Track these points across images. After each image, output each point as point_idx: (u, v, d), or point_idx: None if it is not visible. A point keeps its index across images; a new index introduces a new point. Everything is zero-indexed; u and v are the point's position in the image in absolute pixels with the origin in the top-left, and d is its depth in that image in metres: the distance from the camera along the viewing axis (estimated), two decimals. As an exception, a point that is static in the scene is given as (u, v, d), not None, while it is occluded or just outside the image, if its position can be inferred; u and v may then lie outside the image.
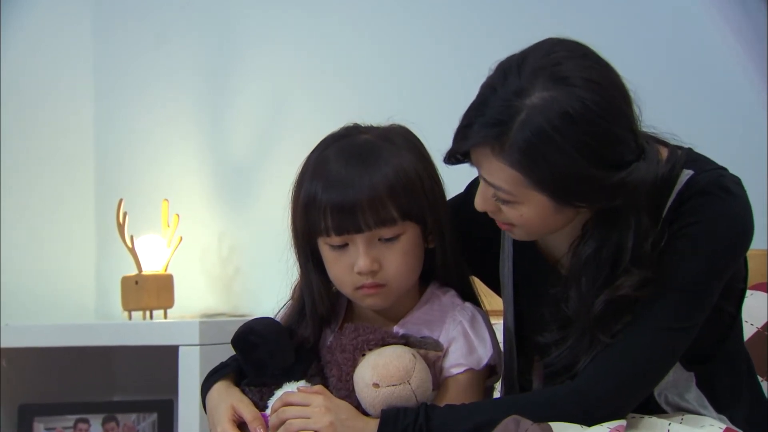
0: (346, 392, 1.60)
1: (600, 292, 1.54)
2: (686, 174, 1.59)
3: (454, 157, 1.57)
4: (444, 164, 1.60)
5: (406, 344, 1.61)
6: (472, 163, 1.57)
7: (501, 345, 1.77)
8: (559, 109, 1.46)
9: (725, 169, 1.62)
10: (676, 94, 2.52)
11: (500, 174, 1.51)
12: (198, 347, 2.58)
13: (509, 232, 1.62)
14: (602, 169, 1.48)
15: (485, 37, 2.75)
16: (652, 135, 1.61)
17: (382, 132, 1.66)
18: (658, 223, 1.57)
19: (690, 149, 1.64)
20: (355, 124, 1.69)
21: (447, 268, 1.69)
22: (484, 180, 1.56)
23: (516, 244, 1.74)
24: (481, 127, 1.50)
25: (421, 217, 1.63)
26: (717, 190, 1.58)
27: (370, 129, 1.67)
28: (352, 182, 1.58)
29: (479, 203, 1.59)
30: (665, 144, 1.63)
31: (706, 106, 2.54)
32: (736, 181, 1.61)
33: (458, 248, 1.69)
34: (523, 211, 1.54)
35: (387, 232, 1.60)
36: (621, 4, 2.65)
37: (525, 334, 1.73)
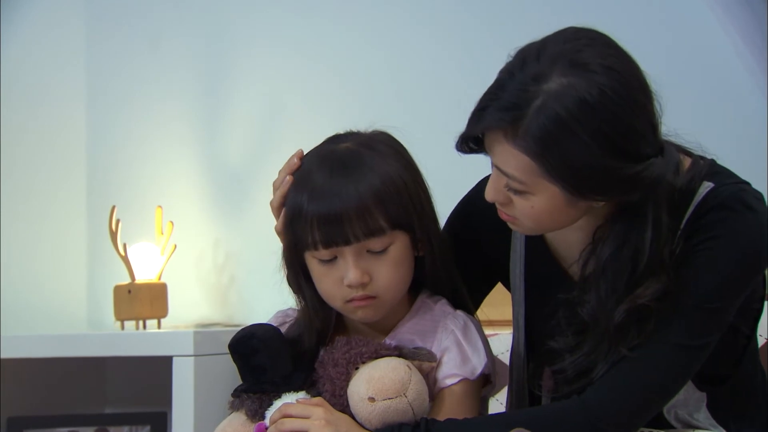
0: (340, 407, 1.58)
1: (621, 300, 1.52)
2: (706, 186, 1.57)
3: (466, 144, 1.56)
4: (457, 152, 1.58)
5: (399, 356, 1.59)
6: (485, 151, 1.54)
7: (509, 351, 1.77)
8: (576, 95, 1.44)
9: (748, 184, 1.60)
10: (679, 92, 2.43)
11: (513, 161, 1.49)
12: (192, 358, 2.57)
13: (513, 224, 1.59)
14: (618, 159, 1.46)
15: (485, 39, 2.72)
16: (676, 144, 1.59)
17: (363, 139, 1.64)
18: (675, 234, 1.54)
19: (713, 161, 1.61)
20: (336, 134, 1.67)
21: (437, 276, 1.67)
22: (497, 168, 1.53)
23: (528, 246, 1.71)
24: (496, 111, 1.48)
25: (410, 225, 1.61)
26: (737, 205, 1.55)
27: (351, 137, 1.65)
28: (338, 192, 1.57)
29: (490, 194, 1.57)
30: (688, 154, 1.61)
31: (709, 105, 2.53)
32: (758, 197, 1.58)
33: (448, 255, 1.68)
34: (534, 201, 1.52)
35: (376, 243, 1.58)
36: (622, 3, 2.64)
37: (536, 341, 1.71)
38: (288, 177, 1.63)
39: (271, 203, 1.66)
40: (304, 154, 1.66)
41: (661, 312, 1.52)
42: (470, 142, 1.56)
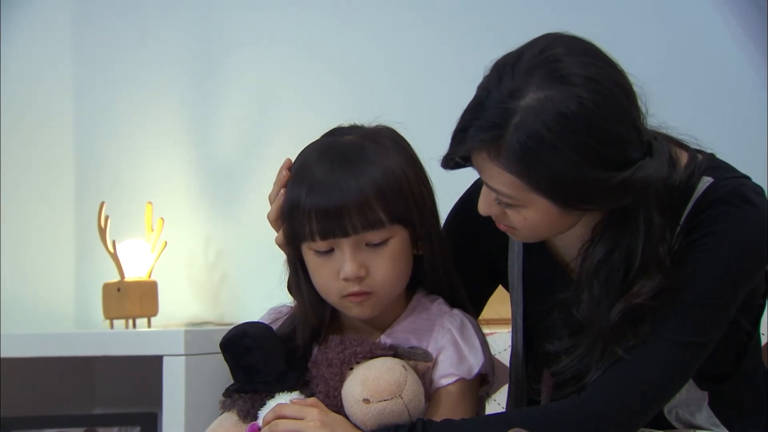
0: (334, 408, 1.57)
1: (615, 299, 1.51)
2: (705, 181, 1.56)
3: (452, 161, 1.54)
4: (443, 169, 1.57)
5: (394, 355, 1.57)
6: (473, 167, 1.54)
7: (507, 350, 1.78)
8: (554, 109, 1.43)
9: (748, 178, 1.59)
10: (679, 86, 2.50)
11: (500, 178, 1.48)
12: (183, 357, 2.56)
13: (511, 234, 1.59)
14: (605, 169, 1.44)
15: (483, 31, 2.73)
16: (672, 138, 1.58)
17: (367, 133, 1.63)
18: (674, 230, 1.53)
19: (712, 155, 1.60)
20: (338, 126, 1.66)
21: (435, 274, 1.66)
22: (486, 184, 1.52)
23: (526, 244, 1.70)
24: (477, 131, 1.47)
25: (410, 220, 1.60)
26: (737, 200, 1.54)
27: (354, 130, 1.64)
28: (338, 185, 1.55)
29: (483, 207, 1.56)
30: (685, 148, 1.59)
31: (710, 98, 2.53)
32: (758, 191, 1.57)
33: (448, 253, 1.67)
34: (526, 214, 1.51)
35: (374, 236, 1.57)
36: (623, -2, 2.66)
37: (534, 342, 1.70)
38: (285, 172, 1.62)
39: (269, 196, 1.65)
40: (302, 150, 1.64)
41: (660, 310, 1.51)
42: (456, 159, 1.55)
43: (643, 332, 1.51)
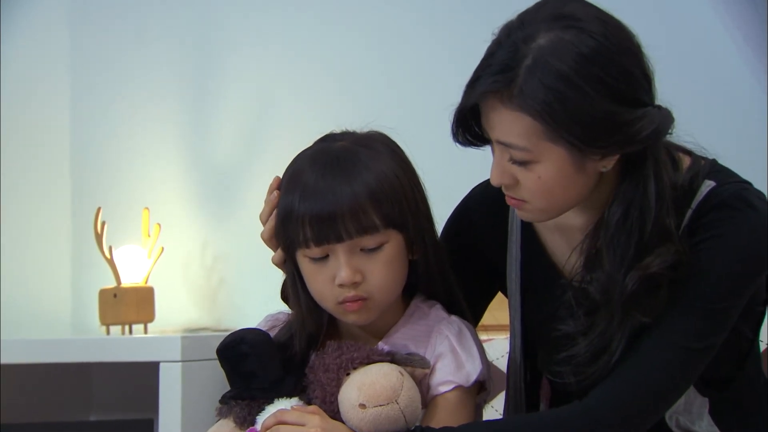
0: (331, 414, 1.55)
1: (630, 267, 1.51)
2: (707, 185, 1.56)
3: (461, 133, 1.55)
4: (456, 144, 1.58)
5: (392, 361, 1.57)
6: (483, 142, 1.55)
7: (504, 357, 1.77)
8: (567, 45, 1.46)
9: (749, 183, 1.59)
10: (678, 88, 2.44)
11: (514, 126, 1.49)
12: (180, 363, 2.57)
13: (523, 210, 1.57)
14: (617, 104, 1.47)
15: (482, 34, 2.67)
16: (675, 144, 1.58)
17: (359, 138, 1.63)
18: (679, 227, 1.54)
19: (714, 160, 1.60)
20: (330, 132, 1.66)
21: (431, 279, 1.65)
22: (498, 143, 1.52)
23: (524, 249, 1.70)
24: (489, 76, 1.49)
25: (404, 224, 1.60)
26: (739, 204, 1.54)
27: (346, 135, 1.64)
28: (331, 190, 1.55)
29: (495, 177, 1.55)
30: (688, 153, 1.60)
31: (709, 100, 2.54)
32: (760, 196, 1.57)
33: (443, 257, 1.66)
34: (540, 171, 1.50)
35: (369, 241, 1.57)
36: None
37: (535, 342, 1.70)
38: (275, 192, 1.62)
39: (260, 216, 1.64)
40: (294, 158, 1.63)
41: (663, 312, 1.51)
42: (467, 134, 1.55)
43: (661, 300, 1.50)
